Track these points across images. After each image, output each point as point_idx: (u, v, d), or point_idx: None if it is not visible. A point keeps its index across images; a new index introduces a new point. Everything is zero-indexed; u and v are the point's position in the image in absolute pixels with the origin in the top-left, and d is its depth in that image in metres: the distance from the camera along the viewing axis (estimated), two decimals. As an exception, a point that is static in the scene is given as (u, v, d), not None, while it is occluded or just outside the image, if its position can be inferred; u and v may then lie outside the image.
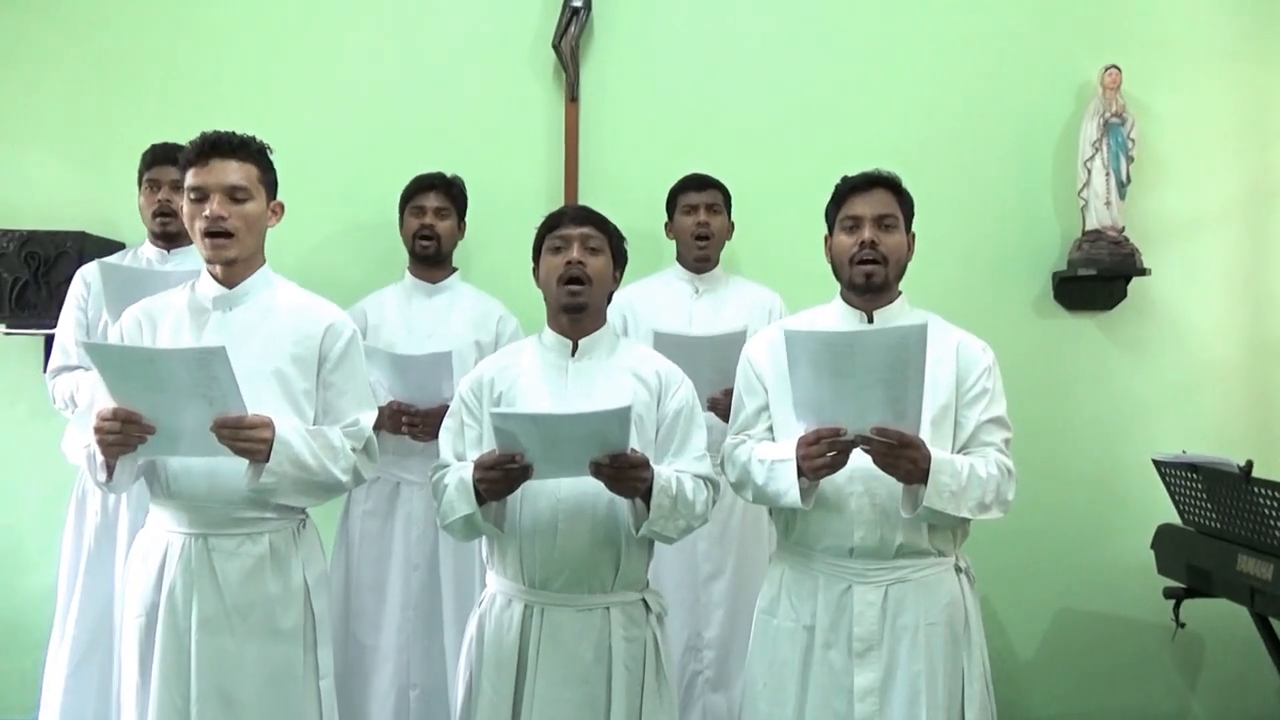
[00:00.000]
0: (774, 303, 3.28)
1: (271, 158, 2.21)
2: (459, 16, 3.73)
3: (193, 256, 2.95)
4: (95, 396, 2.08)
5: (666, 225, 3.36)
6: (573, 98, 3.66)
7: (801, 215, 3.41)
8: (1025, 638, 3.69)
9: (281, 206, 2.24)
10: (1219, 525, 3.01)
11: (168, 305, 2.21)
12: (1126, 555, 3.55)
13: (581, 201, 3.49)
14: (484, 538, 2.21)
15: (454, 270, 3.26)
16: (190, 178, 2.12)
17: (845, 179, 2.25)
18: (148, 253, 3.05)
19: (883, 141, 3.61)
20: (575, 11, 3.63)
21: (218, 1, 3.72)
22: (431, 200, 3.15)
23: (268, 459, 2.00)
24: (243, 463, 2.02)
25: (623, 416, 1.93)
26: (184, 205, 2.15)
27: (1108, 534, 3.65)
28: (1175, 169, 3.73)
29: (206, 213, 2.09)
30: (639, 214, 3.23)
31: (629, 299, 3.17)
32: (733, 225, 3.36)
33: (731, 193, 3.34)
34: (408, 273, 3.23)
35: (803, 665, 2.15)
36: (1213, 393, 3.72)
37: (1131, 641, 3.67)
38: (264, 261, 2.25)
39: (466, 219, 3.27)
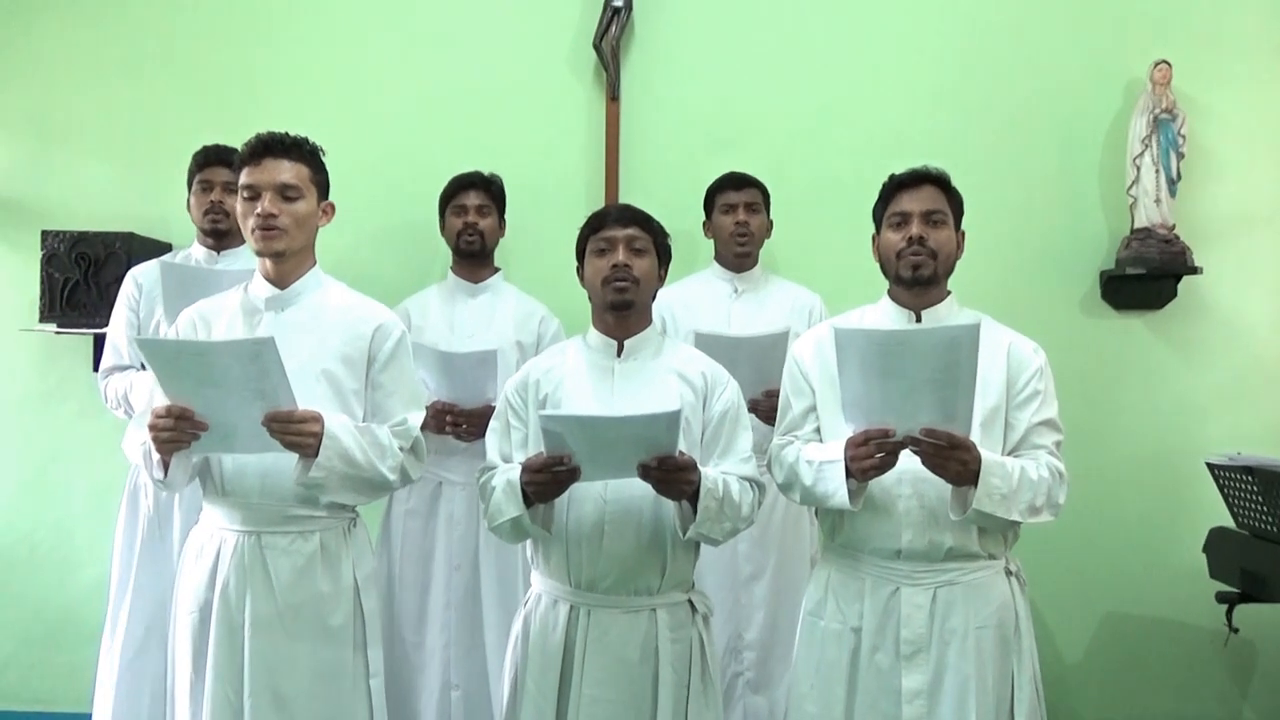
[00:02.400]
0: (814, 304, 3.26)
1: (323, 159, 2.25)
2: (500, 16, 3.75)
3: (243, 257, 3.01)
4: (153, 395, 2.11)
5: (705, 224, 3.34)
6: (613, 97, 3.66)
7: (841, 215, 3.44)
8: (1073, 641, 3.65)
9: (332, 207, 2.28)
10: (1274, 529, 2.95)
11: (221, 306, 2.26)
12: (1177, 558, 3.49)
13: (622, 200, 3.49)
14: (529, 539, 2.21)
15: (497, 270, 3.27)
16: (244, 176, 2.16)
17: (893, 176, 2.23)
18: (197, 253, 3.08)
19: (926, 139, 3.58)
20: (616, 11, 3.62)
21: (262, 5, 3.77)
22: (473, 199, 3.16)
23: (317, 453, 2.02)
24: (294, 460, 2.05)
25: (672, 420, 1.92)
26: (237, 204, 2.19)
27: (1158, 537, 3.60)
28: (1227, 166, 3.65)
29: (258, 210, 2.13)
30: (680, 213, 3.22)
31: (668, 300, 3.15)
32: (771, 224, 3.33)
33: (771, 192, 3.31)
34: (450, 273, 3.25)
35: (850, 667, 2.14)
36: (1266, 393, 3.64)
37: (1182, 646, 3.61)
38: (315, 262, 2.28)
39: (507, 218, 3.27)
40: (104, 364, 3.04)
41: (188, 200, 3.07)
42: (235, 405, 1.95)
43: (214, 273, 2.81)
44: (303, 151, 2.20)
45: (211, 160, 3.00)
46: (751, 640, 3.14)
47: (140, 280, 3.02)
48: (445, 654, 3.03)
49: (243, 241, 3.02)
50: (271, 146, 2.16)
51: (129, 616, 2.93)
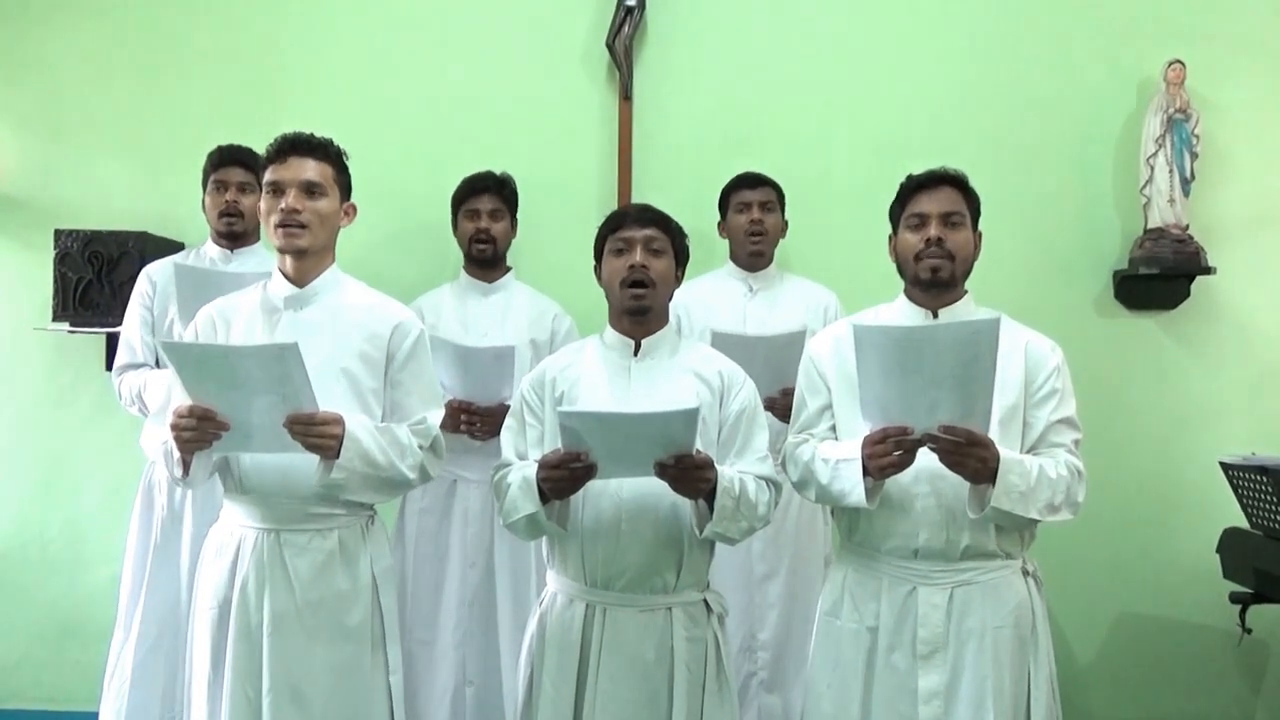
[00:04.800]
0: (829, 302, 3.25)
1: (347, 162, 2.27)
2: (513, 16, 3.75)
3: (256, 256, 3.02)
4: (173, 394, 2.13)
5: (719, 224, 3.34)
6: (626, 96, 3.67)
7: (854, 214, 3.44)
8: (1086, 641, 3.64)
9: (354, 208, 2.30)
10: (1289, 529, 2.95)
11: (240, 305, 2.27)
12: (1190, 559, 3.48)
13: (635, 199, 3.49)
14: (545, 537, 2.21)
15: (509, 269, 3.26)
16: (268, 174, 2.19)
17: (911, 176, 2.22)
18: (211, 252, 3.07)
19: (939, 140, 3.58)
20: (629, 10, 3.63)
21: (276, 5, 3.77)
22: (486, 203, 3.15)
23: (338, 455, 2.04)
24: (314, 459, 2.06)
25: (690, 418, 1.92)
26: (261, 201, 2.21)
27: (1171, 537, 3.59)
28: (1241, 165, 3.64)
29: (282, 205, 2.15)
30: (693, 212, 3.21)
31: (683, 298, 3.11)
32: (786, 223, 3.33)
33: (785, 191, 3.30)
34: (463, 272, 3.25)
35: (866, 667, 2.13)
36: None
37: (1195, 647, 3.60)
38: (333, 261, 2.29)
39: (520, 217, 3.27)
40: (118, 361, 3.04)
41: (202, 200, 3.06)
42: (257, 407, 1.97)
43: (228, 274, 2.80)
44: (327, 151, 2.22)
45: (226, 160, 2.99)
46: (765, 640, 3.14)
47: (154, 278, 3.02)
48: (460, 651, 3.03)
49: (257, 241, 3.04)
50: (297, 145, 2.19)
51: (140, 615, 2.93)
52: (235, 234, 3.02)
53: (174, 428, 1.99)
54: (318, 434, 2.01)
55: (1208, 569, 3.27)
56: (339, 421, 2.04)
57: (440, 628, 3.04)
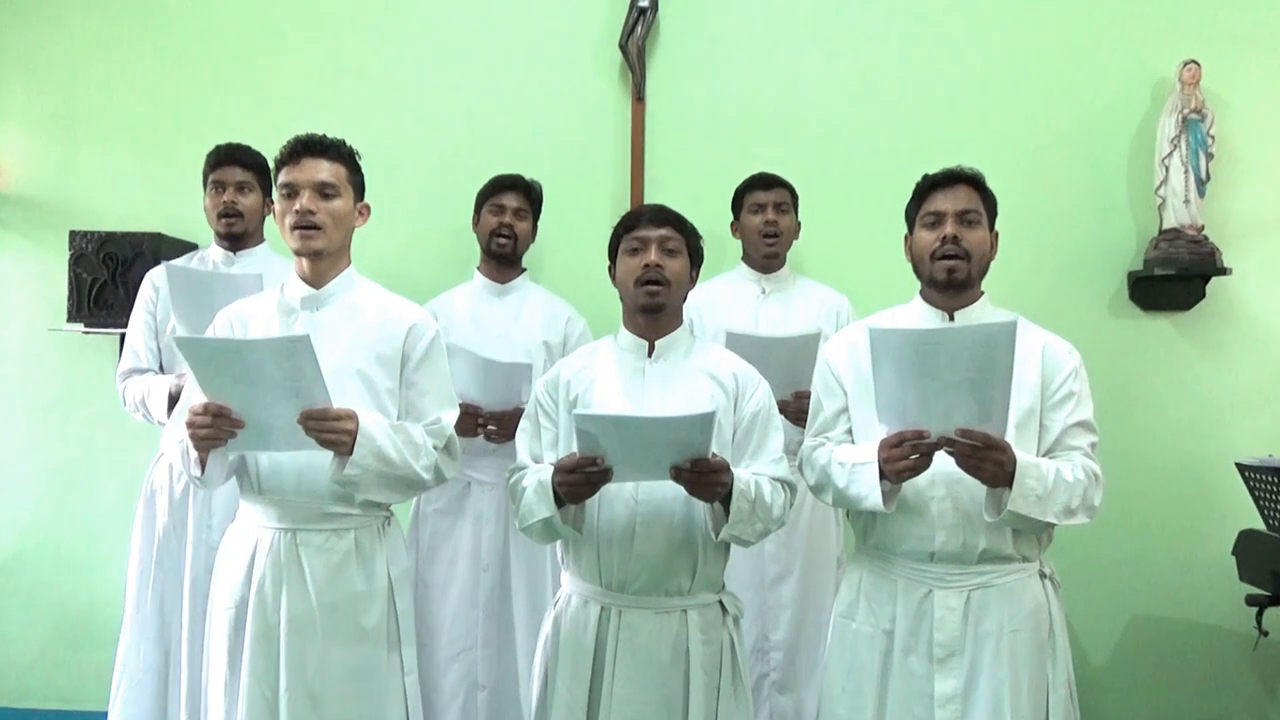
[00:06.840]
0: (841, 304, 3.25)
1: (360, 162, 2.27)
2: (526, 18, 3.75)
3: (258, 257, 3.00)
4: (189, 393, 2.13)
5: (732, 224, 3.34)
6: (639, 98, 3.66)
7: (868, 216, 3.43)
8: (1101, 644, 3.63)
9: (368, 208, 2.31)
10: (1306, 532, 2.93)
11: (258, 308, 2.28)
12: (1206, 561, 3.47)
13: (647, 201, 3.49)
14: (560, 540, 2.20)
15: (523, 271, 3.26)
16: (282, 175, 2.19)
17: (927, 175, 2.21)
18: (214, 255, 3.04)
19: (953, 140, 3.56)
20: (642, 12, 3.63)
21: (293, 7, 3.78)
22: (511, 200, 3.16)
23: (351, 451, 2.04)
24: (329, 458, 2.07)
25: (707, 422, 1.91)
26: (275, 204, 2.22)
27: (1186, 539, 3.57)
28: (1256, 166, 3.62)
29: (296, 207, 2.15)
30: (706, 213, 3.20)
31: (695, 300, 3.10)
32: (799, 225, 3.32)
33: (798, 192, 3.30)
34: (477, 273, 3.24)
35: (882, 670, 2.13)
36: (1295, 396, 3.62)
37: (1211, 649, 3.59)
38: (349, 263, 2.30)
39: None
40: (121, 367, 3.03)
41: (204, 201, 3.02)
42: (271, 403, 1.97)
43: (221, 276, 2.78)
44: (340, 152, 2.23)
45: (224, 160, 2.95)
46: (778, 641, 3.13)
47: (157, 283, 3.01)
48: (472, 655, 3.02)
49: (260, 242, 3.03)
50: (310, 146, 2.19)
51: (145, 618, 2.92)
52: (235, 235, 2.97)
53: (189, 425, 1.99)
54: (330, 429, 2.00)
55: (1223, 571, 3.26)
56: (352, 417, 2.04)
57: (453, 630, 3.03)
